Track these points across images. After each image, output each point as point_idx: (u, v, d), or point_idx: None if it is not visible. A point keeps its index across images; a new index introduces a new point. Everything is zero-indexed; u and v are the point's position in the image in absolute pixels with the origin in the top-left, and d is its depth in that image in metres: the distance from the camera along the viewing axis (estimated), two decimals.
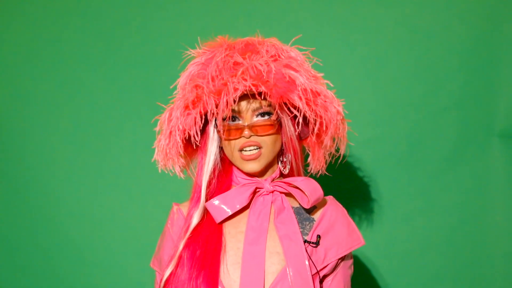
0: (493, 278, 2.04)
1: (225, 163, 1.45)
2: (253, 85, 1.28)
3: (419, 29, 2.04)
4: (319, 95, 1.33)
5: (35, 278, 2.20)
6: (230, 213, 1.38)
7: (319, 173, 1.50)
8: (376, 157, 2.06)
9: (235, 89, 1.28)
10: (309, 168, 1.50)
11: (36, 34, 2.21)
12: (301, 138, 1.47)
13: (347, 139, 1.46)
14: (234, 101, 1.30)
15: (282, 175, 1.46)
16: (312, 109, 1.33)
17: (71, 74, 2.18)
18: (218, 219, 1.38)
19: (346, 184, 2.07)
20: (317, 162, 1.48)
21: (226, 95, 1.28)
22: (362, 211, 2.07)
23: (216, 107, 1.30)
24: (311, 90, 1.31)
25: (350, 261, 1.48)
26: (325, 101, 1.34)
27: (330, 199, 1.49)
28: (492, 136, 2.04)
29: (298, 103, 1.30)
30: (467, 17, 2.02)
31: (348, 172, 2.07)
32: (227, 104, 1.29)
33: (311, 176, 1.47)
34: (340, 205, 1.50)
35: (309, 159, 1.50)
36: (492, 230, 2.04)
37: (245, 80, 1.28)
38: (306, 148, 1.51)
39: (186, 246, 1.37)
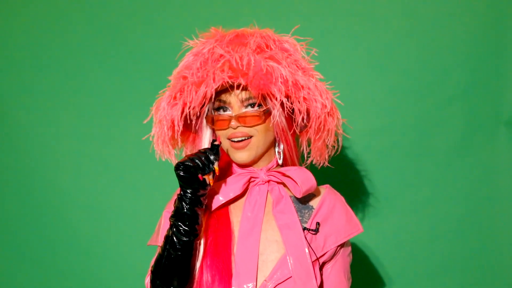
0: (501, 267, 2.03)
1: (223, 153, 1.46)
2: (232, 77, 1.30)
3: (425, 19, 2.04)
4: (302, 87, 1.33)
5: (44, 272, 2.24)
6: (223, 201, 1.39)
7: (321, 165, 1.49)
8: (383, 147, 2.07)
9: (214, 81, 1.30)
10: (309, 160, 1.49)
11: (40, 28, 2.23)
12: (301, 130, 1.47)
13: (344, 132, 1.45)
14: (217, 92, 1.31)
15: (280, 165, 1.47)
16: (295, 102, 1.33)
17: (76, 68, 2.21)
18: (212, 207, 1.39)
19: (353, 175, 2.08)
20: (317, 154, 1.48)
21: (206, 86, 1.30)
22: (369, 201, 2.07)
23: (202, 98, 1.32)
24: (293, 82, 1.32)
25: (349, 249, 1.49)
26: (309, 94, 1.34)
27: (327, 187, 1.50)
28: (499, 126, 2.03)
29: (277, 94, 1.30)
30: (473, 6, 2.02)
31: (355, 163, 2.08)
32: (205, 95, 1.31)
33: (310, 166, 1.47)
34: (338, 193, 1.51)
35: (311, 152, 1.49)
36: (500, 219, 2.04)
37: (223, 72, 1.30)
38: (306, 140, 1.51)
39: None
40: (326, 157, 1.48)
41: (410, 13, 2.04)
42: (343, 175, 2.01)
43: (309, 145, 1.48)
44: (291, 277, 1.33)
